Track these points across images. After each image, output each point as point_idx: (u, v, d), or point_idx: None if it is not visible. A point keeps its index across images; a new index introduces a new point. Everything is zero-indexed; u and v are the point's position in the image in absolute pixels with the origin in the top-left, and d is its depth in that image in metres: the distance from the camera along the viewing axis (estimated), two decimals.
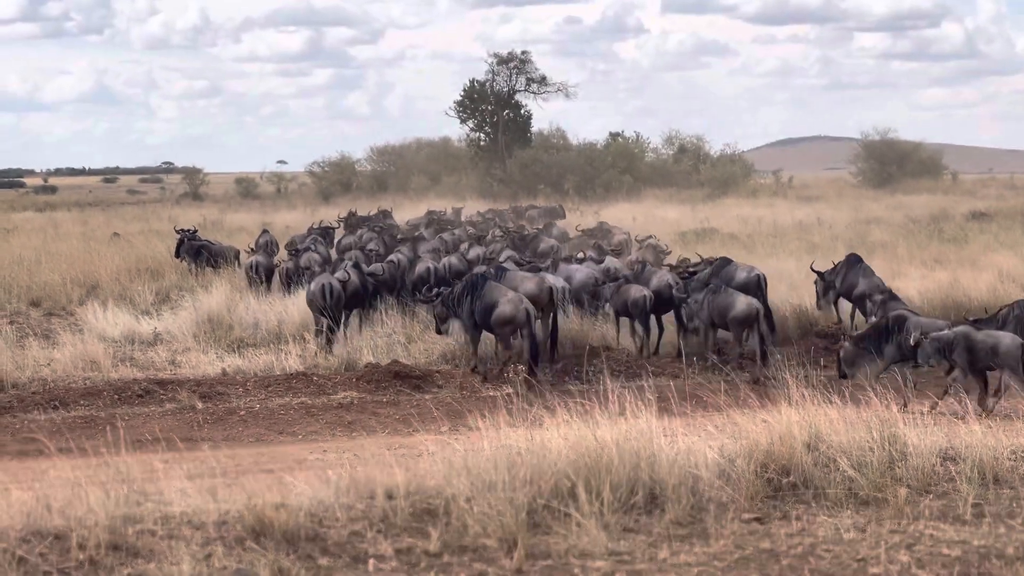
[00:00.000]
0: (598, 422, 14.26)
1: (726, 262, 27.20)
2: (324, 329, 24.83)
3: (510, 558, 11.91)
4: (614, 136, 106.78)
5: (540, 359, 23.45)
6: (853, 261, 27.93)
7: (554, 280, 24.89)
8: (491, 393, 21.26)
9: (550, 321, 24.16)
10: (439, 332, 24.59)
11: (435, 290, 24.89)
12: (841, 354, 21.71)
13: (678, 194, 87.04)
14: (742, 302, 24.02)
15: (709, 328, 24.54)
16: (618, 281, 26.24)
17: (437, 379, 22.33)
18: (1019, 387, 19.45)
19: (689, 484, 13.70)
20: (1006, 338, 19.94)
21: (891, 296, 24.57)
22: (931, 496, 13.79)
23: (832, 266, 28.27)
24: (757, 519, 13.17)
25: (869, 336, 21.55)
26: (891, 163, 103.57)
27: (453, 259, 31.15)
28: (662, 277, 26.37)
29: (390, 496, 13.20)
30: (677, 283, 25.76)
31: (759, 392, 18.25)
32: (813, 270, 28.71)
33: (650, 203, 76.82)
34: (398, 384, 21.85)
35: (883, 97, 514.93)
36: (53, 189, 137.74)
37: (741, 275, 26.24)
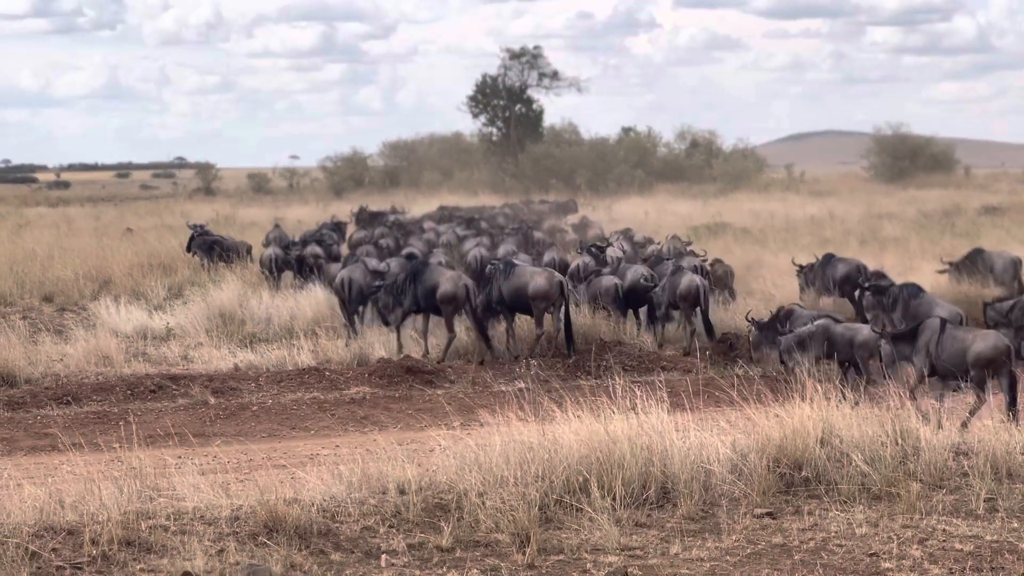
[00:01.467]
0: (610, 417, 14.26)
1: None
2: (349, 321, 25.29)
3: (522, 553, 11.92)
4: (626, 131, 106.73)
5: (535, 350, 23.98)
6: (828, 258, 28.14)
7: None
8: (503, 388, 21.27)
9: (562, 315, 24.15)
10: (386, 324, 24.97)
11: (377, 282, 25.36)
12: (750, 337, 22.95)
13: (690, 189, 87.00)
14: (686, 279, 25.03)
15: (668, 308, 25.68)
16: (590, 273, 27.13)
17: (449, 374, 22.33)
18: (871, 377, 19.96)
19: (701, 479, 13.71)
20: (863, 330, 20.67)
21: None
22: (944, 491, 13.78)
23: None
24: (769, 514, 13.17)
25: (768, 325, 22.61)
26: (903, 158, 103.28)
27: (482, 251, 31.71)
28: (637, 271, 26.81)
29: (402, 491, 13.22)
30: (650, 275, 26.46)
31: (772, 387, 18.27)
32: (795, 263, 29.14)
33: (662, 198, 76.76)
34: (410, 379, 21.84)
35: (895, 91, 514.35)
36: (66, 184, 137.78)
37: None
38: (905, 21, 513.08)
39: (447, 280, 24.08)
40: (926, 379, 18.69)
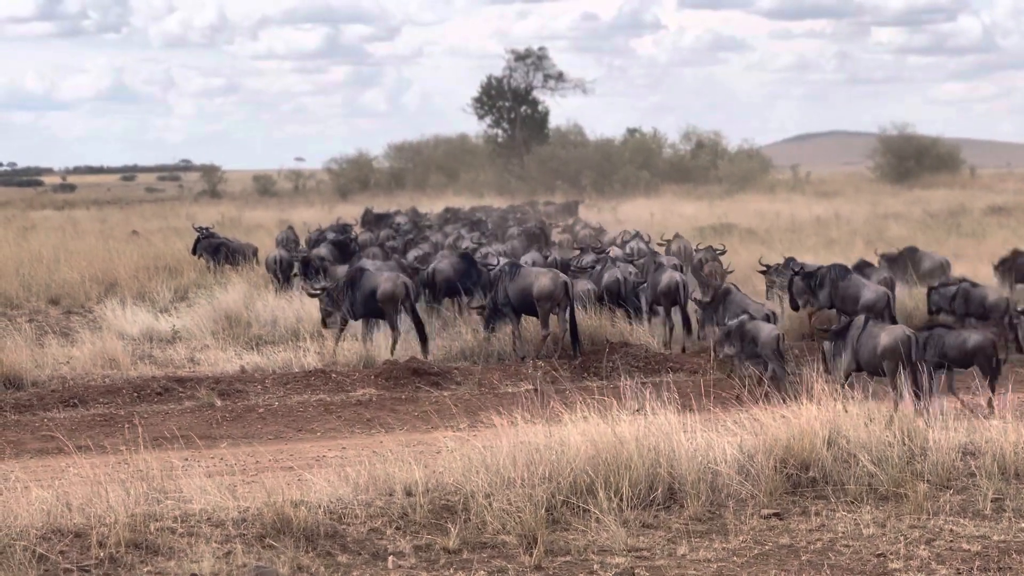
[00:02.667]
0: (617, 418, 14.26)
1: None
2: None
3: (529, 554, 11.93)
4: (631, 132, 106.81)
5: (542, 351, 24.15)
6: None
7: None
8: (510, 390, 21.26)
9: (567, 316, 24.16)
10: (324, 326, 25.27)
11: (320, 285, 25.89)
12: (697, 316, 24.66)
13: (695, 190, 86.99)
14: (667, 276, 25.56)
15: (652, 305, 26.09)
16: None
17: (455, 376, 22.32)
18: (779, 373, 20.55)
19: (708, 480, 13.71)
20: (765, 327, 21.35)
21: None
22: (951, 491, 13.77)
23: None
24: (776, 515, 13.17)
25: (708, 304, 24.10)
26: (909, 158, 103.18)
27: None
28: (613, 272, 26.86)
29: (409, 493, 13.23)
30: (631, 275, 26.74)
31: (779, 387, 18.31)
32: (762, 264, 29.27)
33: (668, 199, 76.78)
34: (416, 381, 21.83)
35: (900, 92, 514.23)
36: (72, 187, 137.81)
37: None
38: (910, 21, 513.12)
39: (386, 280, 24.45)
40: (852, 373, 19.14)
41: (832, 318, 25.51)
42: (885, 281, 26.42)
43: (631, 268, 27.40)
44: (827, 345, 19.71)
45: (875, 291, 24.95)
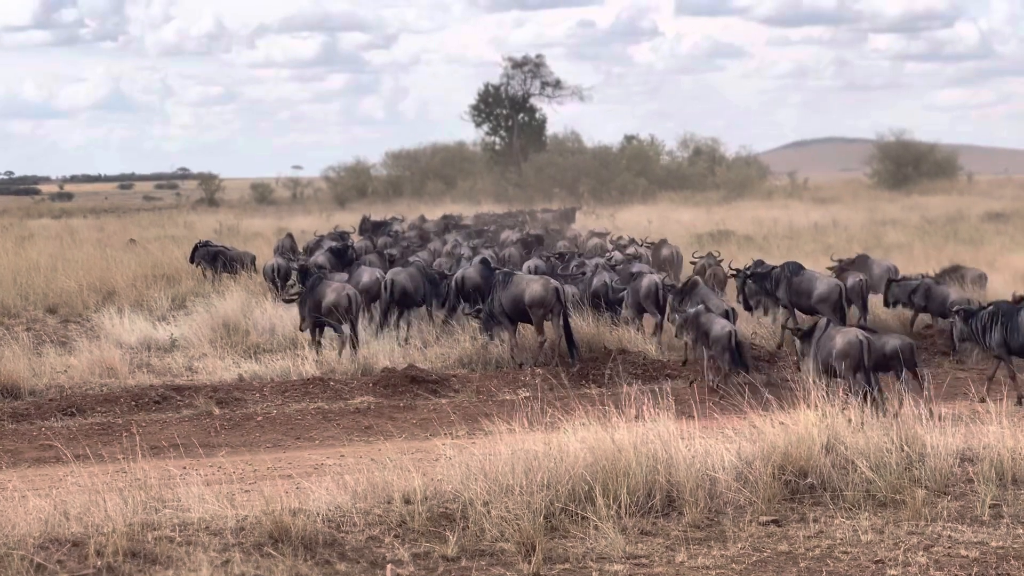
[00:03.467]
0: (615, 425, 14.26)
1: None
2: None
3: (528, 562, 11.92)
4: (629, 139, 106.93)
5: (540, 358, 24.25)
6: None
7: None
8: (508, 397, 21.27)
9: (560, 322, 24.23)
10: (302, 330, 25.65)
11: (294, 291, 26.59)
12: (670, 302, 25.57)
13: (693, 196, 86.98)
14: (646, 281, 26.07)
15: (634, 311, 26.37)
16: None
17: (454, 383, 22.32)
18: (725, 367, 21.60)
19: (706, 487, 13.71)
20: (719, 323, 22.04)
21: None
22: (949, 497, 13.78)
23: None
24: (775, 521, 13.17)
25: (679, 292, 25.37)
26: (906, 164, 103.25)
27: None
28: (602, 277, 27.67)
29: (407, 501, 13.22)
30: (614, 281, 27.34)
31: (778, 394, 18.33)
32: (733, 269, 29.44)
33: (665, 206, 76.85)
34: (415, 388, 21.84)
35: (898, 98, 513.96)
36: (69, 196, 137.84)
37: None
38: (907, 28, 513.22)
39: (331, 291, 24.94)
40: (820, 374, 19.23)
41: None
42: (860, 282, 26.84)
43: (614, 275, 27.99)
44: (798, 344, 20.27)
45: (827, 284, 25.60)
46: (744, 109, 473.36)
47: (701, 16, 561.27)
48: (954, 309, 22.56)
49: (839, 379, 19.09)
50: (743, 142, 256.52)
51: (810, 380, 18.71)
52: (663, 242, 37.84)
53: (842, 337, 19.42)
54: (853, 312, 26.01)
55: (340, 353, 24.42)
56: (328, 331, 25.23)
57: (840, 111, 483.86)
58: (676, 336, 23.69)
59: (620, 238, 40.81)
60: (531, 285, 24.50)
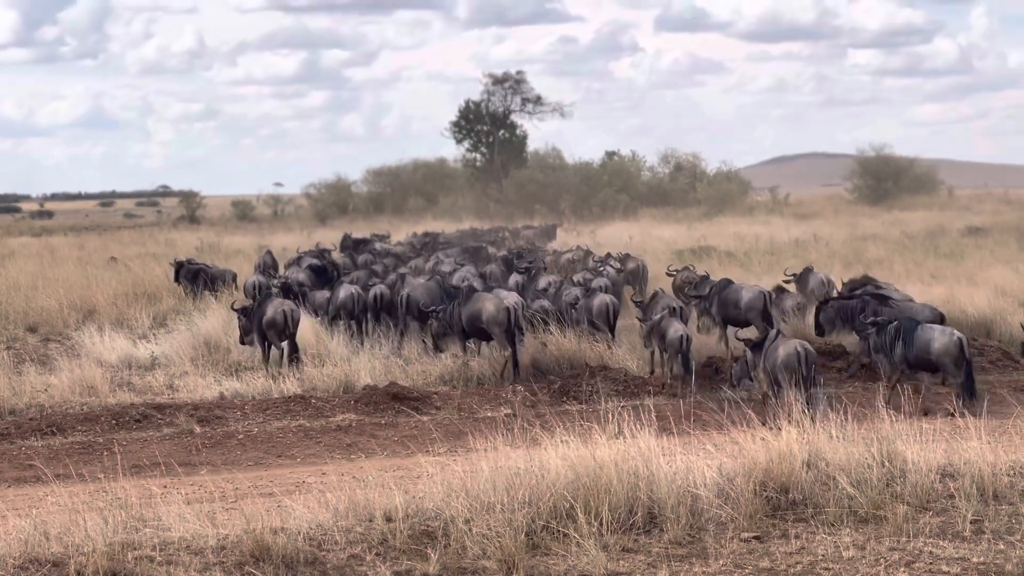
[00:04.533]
0: (596, 442, 14.26)
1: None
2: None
3: None
4: (610, 155, 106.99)
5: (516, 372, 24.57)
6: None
7: (513, 300, 25.76)
8: (489, 414, 21.25)
9: (506, 340, 24.75)
10: (242, 343, 26.21)
11: (240, 306, 26.96)
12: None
13: (674, 212, 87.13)
14: (598, 300, 26.91)
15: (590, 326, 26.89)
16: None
17: (435, 400, 22.30)
18: (678, 370, 23.12)
19: (688, 503, 13.70)
20: (674, 325, 23.42)
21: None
22: (930, 513, 13.78)
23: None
24: (756, 537, 13.17)
25: (643, 306, 26.10)
26: (887, 179, 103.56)
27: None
28: (571, 292, 28.45)
29: (389, 519, 13.20)
30: (578, 299, 27.81)
31: (759, 410, 18.37)
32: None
33: (646, 222, 76.93)
34: (396, 406, 21.82)
35: (877, 113, 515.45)
36: (50, 214, 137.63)
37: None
38: (886, 43, 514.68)
39: (271, 308, 25.53)
40: (771, 383, 20.30)
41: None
42: (799, 304, 28.29)
43: (579, 290, 28.63)
44: (749, 356, 20.94)
45: (752, 292, 26.38)
46: (725, 125, 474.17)
47: (681, 32, 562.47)
48: (867, 321, 23.21)
49: (785, 388, 19.75)
50: (724, 158, 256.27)
51: (760, 391, 20.26)
52: (627, 256, 39.05)
53: (784, 347, 20.18)
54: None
55: (282, 365, 25.00)
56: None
57: (820, 126, 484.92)
58: (645, 346, 24.40)
59: (597, 257, 41.08)
60: (486, 303, 25.08)
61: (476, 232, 61.25)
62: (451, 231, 61.51)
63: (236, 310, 26.68)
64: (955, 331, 21.39)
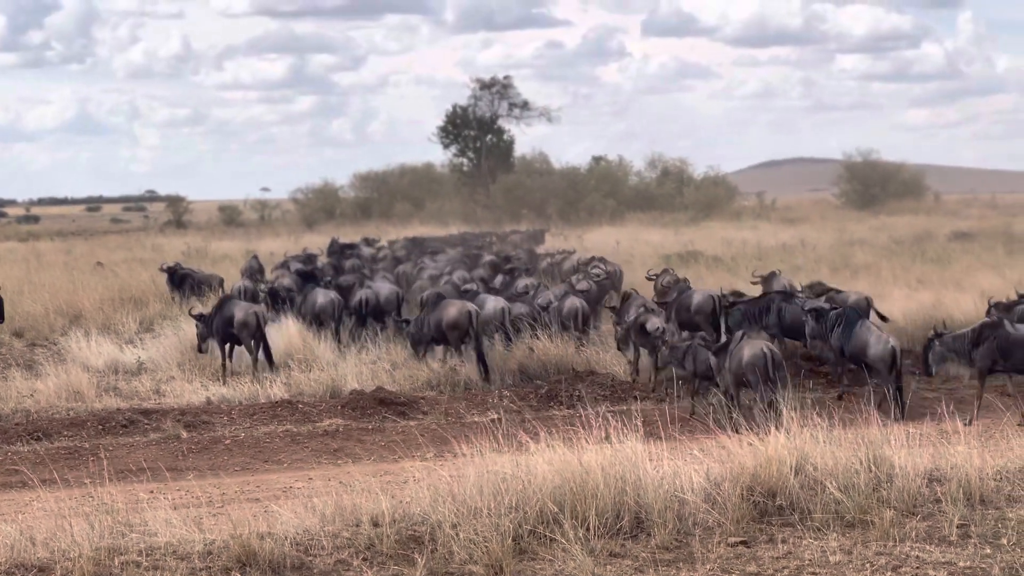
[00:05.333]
0: (583, 447, 14.25)
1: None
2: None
3: None
4: (597, 160, 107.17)
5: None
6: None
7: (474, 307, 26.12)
8: (476, 419, 21.24)
9: (472, 344, 25.27)
10: (200, 351, 26.29)
11: (197, 311, 27.23)
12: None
13: (661, 217, 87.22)
14: (569, 303, 27.59)
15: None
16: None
17: (422, 405, 22.30)
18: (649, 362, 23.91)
19: (675, 508, 13.69)
20: (650, 319, 24.21)
21: None
22: (917, 518, 13.79)
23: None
24: (743, 542, 13.16)
25: (616, 310, 26.74)
26: (874, 184, 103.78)
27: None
28: (546, 295, 29.07)
29: (376, 523, 13.18)
30: (551, 302, 28.30)
31: (747, 416, 18.39)
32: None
33: (633, 227, 76.98)
34: (383, 411, 21.81)
35: (865, 118, 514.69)
36: (36, 219, 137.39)
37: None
38: (873, 48, 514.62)
39: (240, 310, 25.74)
40: (735, 385, 20.75)
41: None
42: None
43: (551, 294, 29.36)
44: (713, 360, 21.19)
45: (702, 295, 26.96)
46: (712, 129, 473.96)
47: (668, 37, 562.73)
48: (807, 308, 24.00)
49: (750, 389, 20.37)
50: (711, 162, 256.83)
51: (723, 392, 20.77)
52: (602, 259, 39.70)
53: (749, 349, 20.49)
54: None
55: (253, 372, 25.19)
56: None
57: (808, 131, 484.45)
58: (619, 348, 25.15)
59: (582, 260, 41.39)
60: (448, 309, 25.58)
61: (465, 237, 61.32)
62: (441, 236, 61.55)
63: (194, 316, 26.65)
64: (891, 339, 21.74)
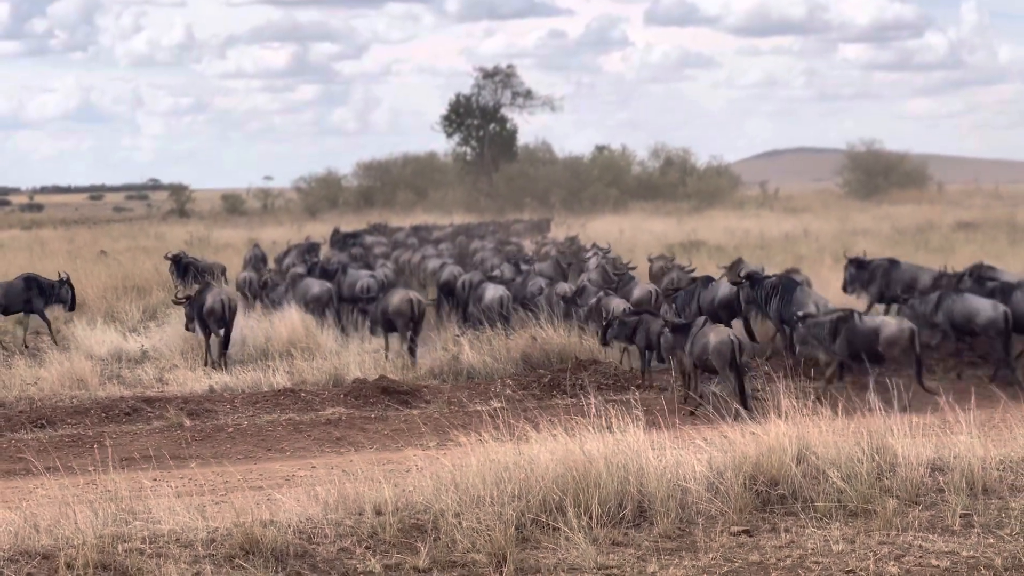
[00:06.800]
0: (585, 436, 14.26)
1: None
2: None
3: (499, 573, 11.92)
4: (600, 149, 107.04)
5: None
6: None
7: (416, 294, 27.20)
8: (479, 408, 21.24)
9: (408, 332, 26.14)
10: (187, 329, 26.88)
11: (183, 295, 27.85)
12: None
13: (664, 206, 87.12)
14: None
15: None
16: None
17: (425, 394, 22.30)
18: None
19: (678, 497, 13.71)
20: (615, 301, 25.44)
21: None
22: (920, 507, 13.80)
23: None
24: (746, 532, 13.17)
25: (568, 298, 27.42)
26: (877, 174, 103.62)
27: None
28: (536, 282, 29.89)
29: (379, 512, 13.20)
30: (542, 289, 29.10)
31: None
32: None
33: (636, 216, 76.87)
34: (386, 400, 21.82)
35: (868, 108, 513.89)
36: (39, 207, 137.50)
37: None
38: (877, 38, 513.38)
39: (211, 297, 26.26)
40: (694, 368, 21.29)
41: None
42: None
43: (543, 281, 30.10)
44: (669, 337, 21.76)
45: (642, 289, 27.91)
46: (715, 119, 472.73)
47: (671, 26, 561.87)
48: (743, 274, 25.24)
49: (712, 374, 21.06)
50: (714, 152, 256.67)
51: (681, 372, 21.50)
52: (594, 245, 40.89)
53: (716, 335, 20.83)
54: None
55: (222, 359, 25.66)
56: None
57: (810, 121, 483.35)
58: (581, 326, 25.92)
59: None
60: (392, 297, 26.57)
61: (469, 227, 61.30)
62: (442, 226, 61.58)
63: (178, 299, 27.42)
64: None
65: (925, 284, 27.12)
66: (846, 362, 21.96)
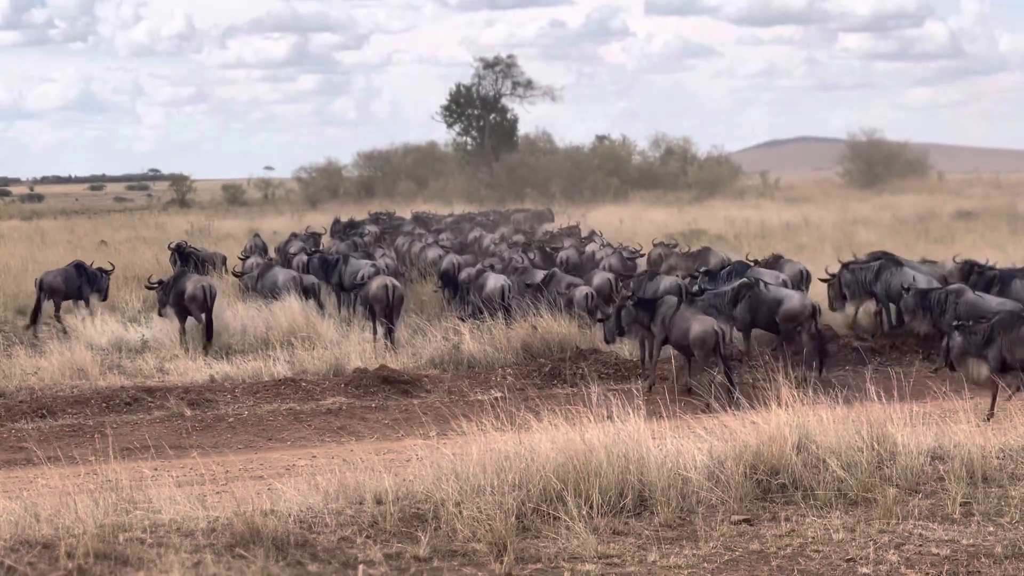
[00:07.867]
0: (586, 425, 14.26)
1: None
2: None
3: (500, 562, 11.91)
4: (600, 139, 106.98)
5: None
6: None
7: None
8: (479, 397, 21.26)
9: (382, 315, 26.74)
10: (160, 314, 27.70)
11: (156, 280, 28.61)
12: None
13: (665, 196, 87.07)
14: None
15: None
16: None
17: (425, 384, 22.32)
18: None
19: (678, 486, 13.71)
20: (581, 288, 26.94)
21: None
22: (920, 496, 13.80)
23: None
24: (746, 520, 13.18)
25: (537, 284, 27.95)
26: (877, 163, 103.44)
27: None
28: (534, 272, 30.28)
29: (379, 501, 13.20)
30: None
31: (748, 394, 18.39)
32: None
33: (637, 206, 76.83)
34: (386, 389, 21.84)
35: (868, 97, 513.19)
36: (39, 197, 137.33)
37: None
38: (877, 27, 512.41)
39: (191, 284, 26.78)
40: (659, 348, 22.15)
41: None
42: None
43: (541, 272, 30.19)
44: (629, 309, 22.34)
45: (600, 277, 28.53)
46: (715, 109, 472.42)
47: (671, 16, 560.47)
48: (701, 271, 26.42)
49: (690, 358, 21.49)
50: (715, 141, 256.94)
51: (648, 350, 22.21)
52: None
53: (699, 324, 21.23)
54: None
55: (205, 349, 25.92)
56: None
57: (811, 110, 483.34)
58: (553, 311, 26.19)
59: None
60: (371, 284, 27.17)
61: (471, 216, 61.28)
62: (440, 216, 61.61)
63: (151, 284, 28.19)
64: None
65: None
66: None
